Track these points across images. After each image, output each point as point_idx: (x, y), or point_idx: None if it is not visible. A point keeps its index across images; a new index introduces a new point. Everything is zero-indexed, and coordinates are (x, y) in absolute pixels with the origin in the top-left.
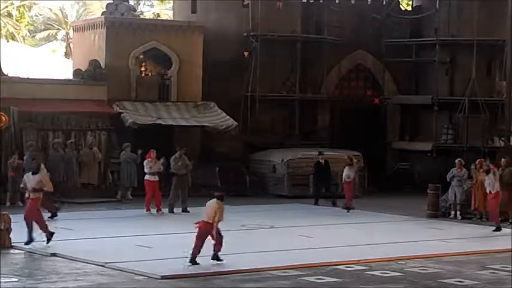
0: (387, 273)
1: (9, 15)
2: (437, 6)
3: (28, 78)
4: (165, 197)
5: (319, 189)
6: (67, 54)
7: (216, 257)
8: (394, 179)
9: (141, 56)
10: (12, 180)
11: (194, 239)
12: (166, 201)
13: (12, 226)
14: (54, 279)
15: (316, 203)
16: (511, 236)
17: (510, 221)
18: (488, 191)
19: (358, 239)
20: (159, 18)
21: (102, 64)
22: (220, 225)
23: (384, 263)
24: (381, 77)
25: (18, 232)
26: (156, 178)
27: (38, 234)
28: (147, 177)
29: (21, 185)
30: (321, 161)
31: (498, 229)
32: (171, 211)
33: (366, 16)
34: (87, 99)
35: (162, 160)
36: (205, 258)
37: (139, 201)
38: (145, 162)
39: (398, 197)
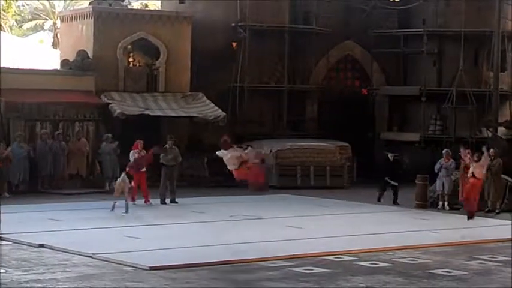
0: (376, 264)
1: None
2: None
3: (15, 69)
4: (152, 188)
5: (385, 187)
6: (54, 45)
7: None
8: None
9: (129, 47)
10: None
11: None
12: (154, 192)
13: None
14: (42, 270)
15: (379, 199)
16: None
17: (497, 211)
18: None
19: (346, 229)
20: (147, 8)
21: (90, 54)
22: (209, 216)
23: (373, 253)
24: (369, 67)
25: (5, 223)
26: (144, 169)
27: None
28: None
29: None
30: (390, 158)
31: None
32: (163, 202)
33: (354, 7)
34: (74, 90)
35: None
36: (192, 249)
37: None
38: (131, 153)
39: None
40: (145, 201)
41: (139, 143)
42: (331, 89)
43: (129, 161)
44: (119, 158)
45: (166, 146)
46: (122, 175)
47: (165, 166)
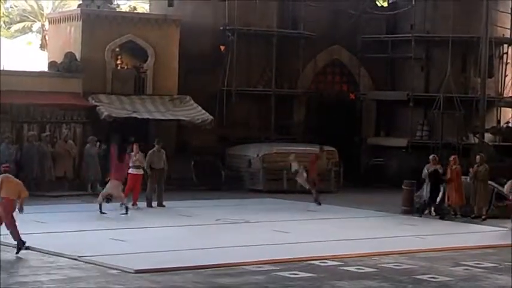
0: (361, 269)
1: None
2: (413, 2)
3: (3, 70)
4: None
5: (433, 201)
6: (42, 46)
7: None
8: (369, 175)
9: (117, 49)
10: None
11: None
12: (141, 195)
13: None
14: (26, 272)
15: (421, 214)
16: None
17: (483, 217)
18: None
19: (332, 234)
20: (135, 11)
21: (78, 56)
22: (195, 220)
23: (359, 258)
24: (356, 72)
25: None
26: (141, 171)
27: None
28: (130, 170)
29: None
30: (439, 170)
31: None
32: (150, 205)
33: (342, 11)
34: (62, 92)
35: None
36: (178, 252)
37: None
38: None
39: (373, 192)
40: (133, 204)
41: (135, 145)
42: (319, 93)
43: (119, 163)
44: (104, 161)
45: (154, 149)
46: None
47: (153, 169)
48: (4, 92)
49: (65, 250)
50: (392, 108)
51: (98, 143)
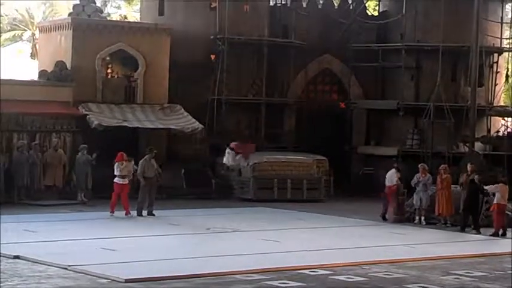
0: (351, 278)
1: None
2: (403, 11)
3: None
4: (132, 200)
5: (468, 215)
6: (33, 55)
7: None
8: (360, 184)
9: (108, 58)
10: None
11: None
12: (134, 204)
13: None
14: (16, 281)
15: (463, 230)
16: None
17: (473, 226)
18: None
19: (322, 243)
20: (126, 20)
21: (68, 65)
22: (185, 228)
23: (349, 267)
24: (347, 81)
25: None
26: (126, 181)
27: None
28: (116, 179)
29: None
30: (476, 180)
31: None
32: (140, 214)
33: (332, 21)
34: (52, 101)
35: (133, 162)
36: (168, 261)
37: (103, 203)
38: (115, 165)
39: (364, 201)
40: (125, 213)
41: (123, 154)
42: (309, 103)
43: (111, 172)
44: (95, 170)
45: (146, 158)
46: None
47: (146, 178)
48: None
49: (54, 259)
50: (382, 117)
51: (94, 154)
